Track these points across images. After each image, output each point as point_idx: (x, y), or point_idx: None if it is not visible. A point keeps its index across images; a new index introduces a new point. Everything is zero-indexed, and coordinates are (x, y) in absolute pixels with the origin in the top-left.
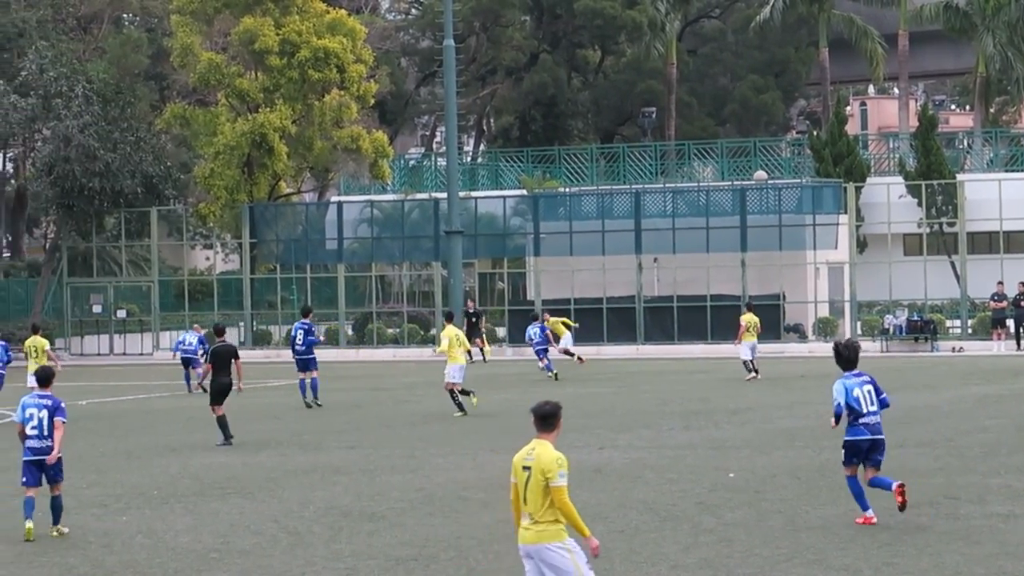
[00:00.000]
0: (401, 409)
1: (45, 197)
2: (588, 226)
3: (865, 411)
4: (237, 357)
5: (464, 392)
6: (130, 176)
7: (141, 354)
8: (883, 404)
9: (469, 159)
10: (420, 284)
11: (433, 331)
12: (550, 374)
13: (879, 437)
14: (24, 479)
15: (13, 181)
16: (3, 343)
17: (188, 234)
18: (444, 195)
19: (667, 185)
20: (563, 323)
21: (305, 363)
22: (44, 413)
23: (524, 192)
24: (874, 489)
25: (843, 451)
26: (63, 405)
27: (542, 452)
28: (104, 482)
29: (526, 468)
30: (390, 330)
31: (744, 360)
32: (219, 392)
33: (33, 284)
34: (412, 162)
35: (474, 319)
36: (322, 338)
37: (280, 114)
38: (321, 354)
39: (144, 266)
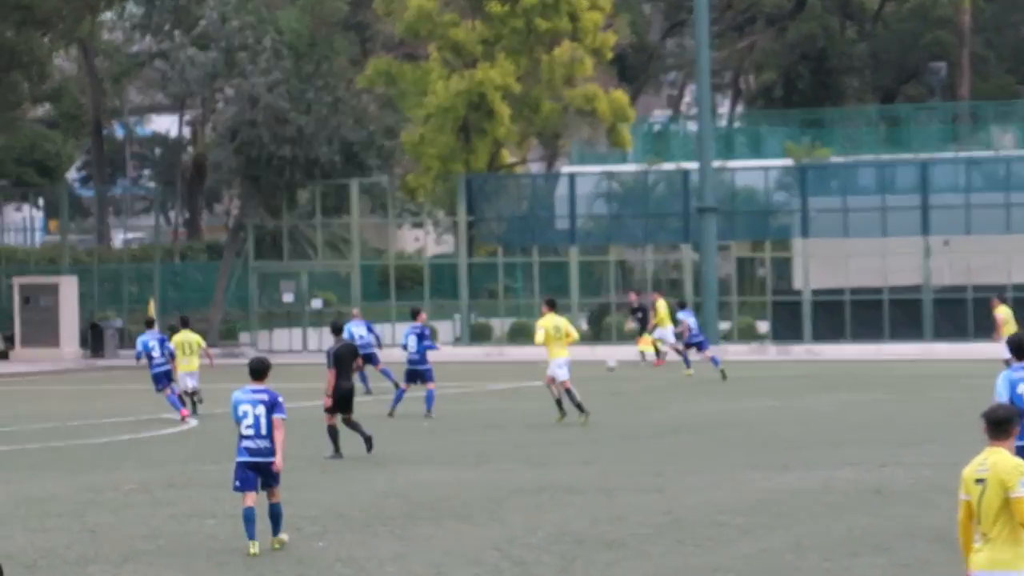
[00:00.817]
0: (644, 418)
1: (227, 167)
2: (865, 202)
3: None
4: (358, 356)
5: (579, 408)
6: (326, 143)
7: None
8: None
9: (724, 123)
10: (666, 270)
11: None
12: (717, 368)
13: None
14: (237, 483)
15: (191, 148)
16: (161, 336)
17: (394, 211)
18: (695, 165)
19: (959, 154)
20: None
21: (416, 374)
22: (260, 410)
23: (789, 162)
24: None
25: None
26: (281, 400)
27: (998, 461)
28: (296, 500)
29: (979, 481)
30: (630, 324)
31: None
32: (344, 399)
33: (214, 269)
34: (657, 126)
35: (639, 315)
36: (439, 345)
37: (502, 70)
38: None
39: (343, 248)
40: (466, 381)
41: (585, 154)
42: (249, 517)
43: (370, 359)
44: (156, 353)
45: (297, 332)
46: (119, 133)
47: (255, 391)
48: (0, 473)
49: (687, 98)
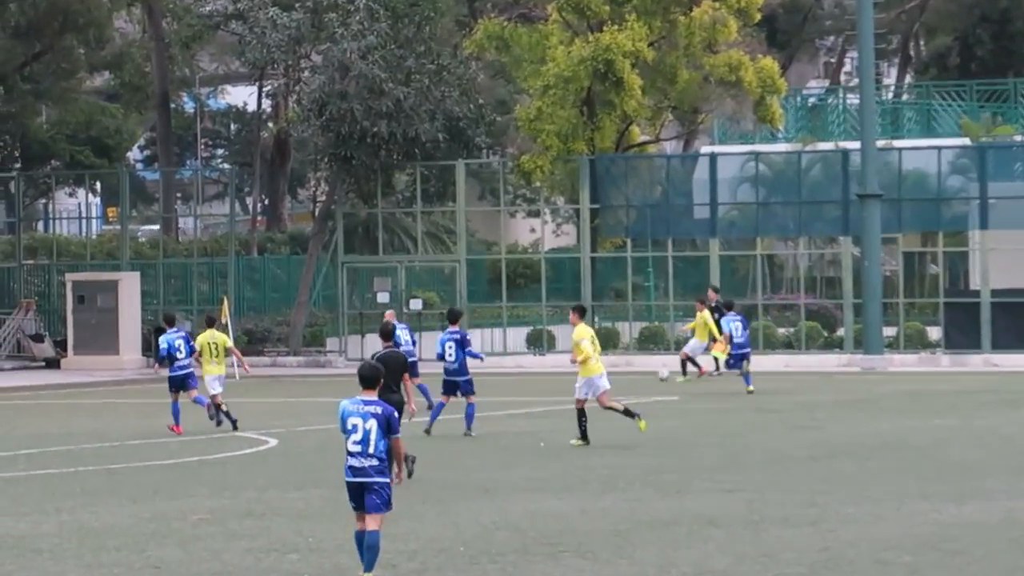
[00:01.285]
0: (797, 438)
1: (314, 146)
2: None
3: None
4: (408, 370)
5: (628, 413)
6: (429, 118)
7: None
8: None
9: (891, 96)
10: (822, 267)
11: (840, 331)
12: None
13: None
14: (353, 503)
15: (271, 124)
16: (186, 335)
17: (506, 197)
18: (856, 145)
19: None
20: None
21: (454, 385)
22: (372, 424)
23: (966, 141)
24: None
25: None
26: (397, 416)
27: None
28: (392, 533)
29: None
30: (781, 330)
31: None
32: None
33: (298, 263)
34: (812, 100)
35: (718, 316)
36: (482, 354)
37: (632, 34)
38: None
39: (448, 240)
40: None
41: (728, 132)
42: (361, 542)
43: (410, 369)
44: (181, 354)
45: None
46: (189, 107)
47: (366, 402)
48: (51, 500)
49: (847, 67)
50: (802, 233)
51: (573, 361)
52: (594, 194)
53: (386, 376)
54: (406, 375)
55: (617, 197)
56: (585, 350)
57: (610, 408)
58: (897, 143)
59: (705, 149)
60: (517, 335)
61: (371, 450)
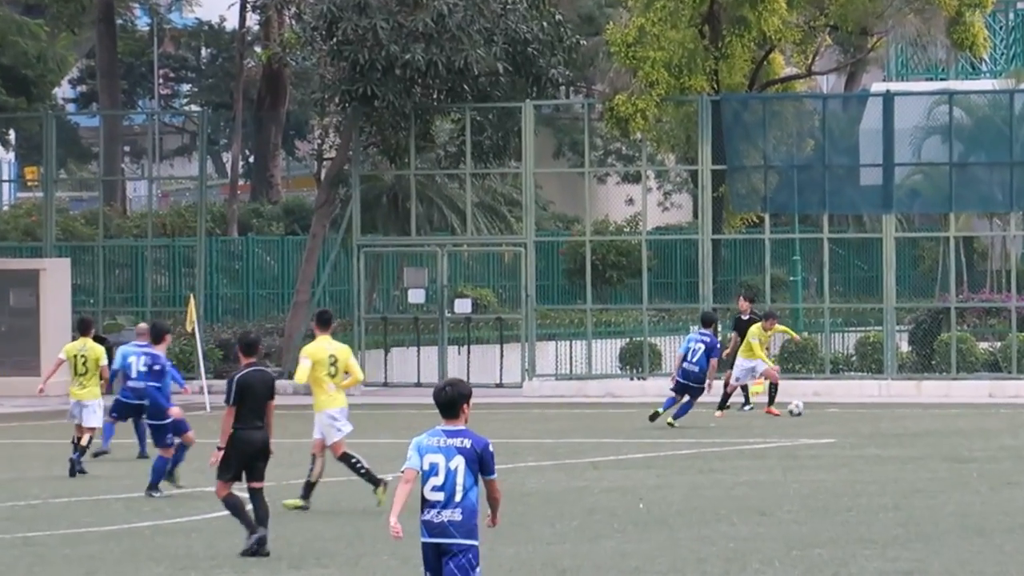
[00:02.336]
0: (1005, 499)
1: (320, 80)
2: None
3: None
4: (272, 396)
5: (370, 477)
6: (484, 40)
7: (500, 385)
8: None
9: None
10: None
11: None
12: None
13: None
14: (429, 573)
15: (258, 49)
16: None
17: (594, 154)
18: None
19: None
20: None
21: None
22: (458, 462)
23: None
24: None
25: None
26: (492, 450)
27: None
28: None
29: None
30: (983, 344)
31: None
32: (252, 456)
33: (295, 247)
34: None
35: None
36: (183, 385)
37: None
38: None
39: (509, 215)
40: (719, 436)
41: (911, 63)
42: None
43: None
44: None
45: (431, 352)
46: (142, 23)
47: (450, 433)
48: None
49: None
50: (1015, 207)
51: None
52: (718, 151)
53: (245, 402)
54: (270, 404)
55: (752, 155)
56: (303, 373)
57: (344, 462)
58: None
59: (877, 87)
60: (607, 350)
61: (458, 498)
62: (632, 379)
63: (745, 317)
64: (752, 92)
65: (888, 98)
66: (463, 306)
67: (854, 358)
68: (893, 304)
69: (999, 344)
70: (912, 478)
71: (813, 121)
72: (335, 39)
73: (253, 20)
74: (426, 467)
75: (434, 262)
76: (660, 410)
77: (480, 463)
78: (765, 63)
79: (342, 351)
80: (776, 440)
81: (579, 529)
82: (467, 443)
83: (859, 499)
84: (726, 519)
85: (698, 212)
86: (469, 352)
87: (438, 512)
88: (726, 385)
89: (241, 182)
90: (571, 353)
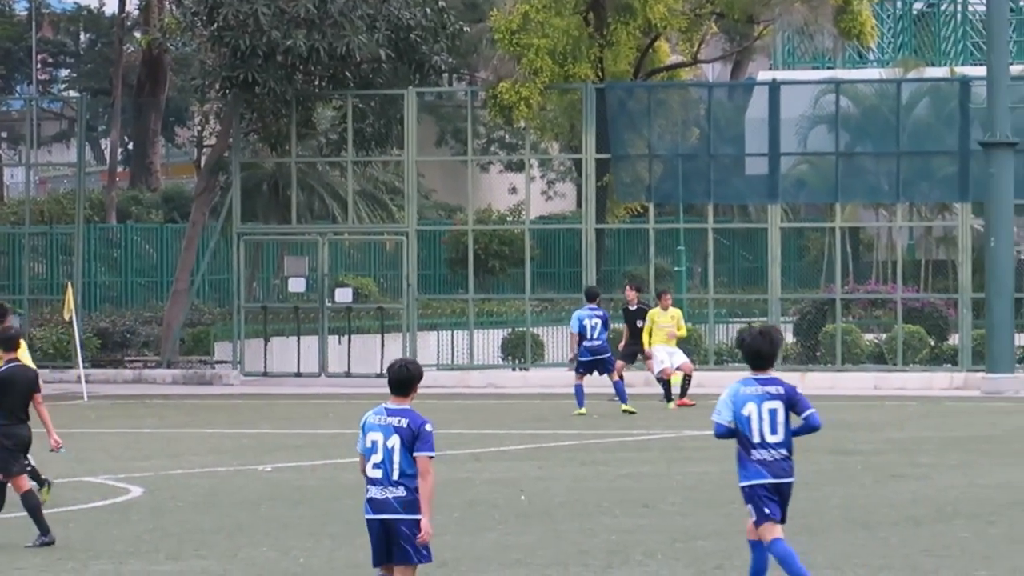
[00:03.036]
0: (890, 492)
1: (201, 66)
2: None
3: (759, 440)
4: (38, 389)
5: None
6: (366, 27)
7: (380, 375)
8: (804, 429)
9: None
10: (929, 247)
11: (955, 339)
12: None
13: (784, 480)
14: (375, 556)
15: (138, 35)
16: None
17: (477, 143)
18: (981, 71)
19: None
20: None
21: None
22: (395, 441)
23: None
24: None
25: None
26: (429, 428)
27: None
28: None
29: None
30: (868, 336)
31: None
32: (17, 449)
33: (175, 235)
34: (919, 6)
35: (640, 324)
36: None
37: None
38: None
39: (391, 204)
40: (601, 428)
41: (798, 51)
42: None
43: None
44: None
45: (311, 342)
46: (20, 7)
47: (391, 412)
48: None
49: None
50: (901, 198)
51: None
52: (603, 139)
53: (9, 399)
54: (37, 396)
55: (636, 144)
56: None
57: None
58: None
59: (763, 76)
60: (489, 340)
61: (394, 475)
62: (514, 369)
63: (633, 307)
64: (638, 81)
65: (774, 87)
66: (344, 295)
67: (738, 349)
68: (778, 295)
69: (884, 336)
70: (797, 470)
71: (699, 110)
72: (216, 24)
73: (133, 5)
74: (368, 445)
75: (315, 251)
76: (625, 405)
77: (416, 441)
78: (651, 51)
79: None
80: (660, 432)
81: (460, 521)
82: (404, 422)
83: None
84: (609, 511)
85: (581, 202)
86: (350, 342)
87: (381, 489)
88: (660, 379)
89: (120, 169)
90: (453, 343)
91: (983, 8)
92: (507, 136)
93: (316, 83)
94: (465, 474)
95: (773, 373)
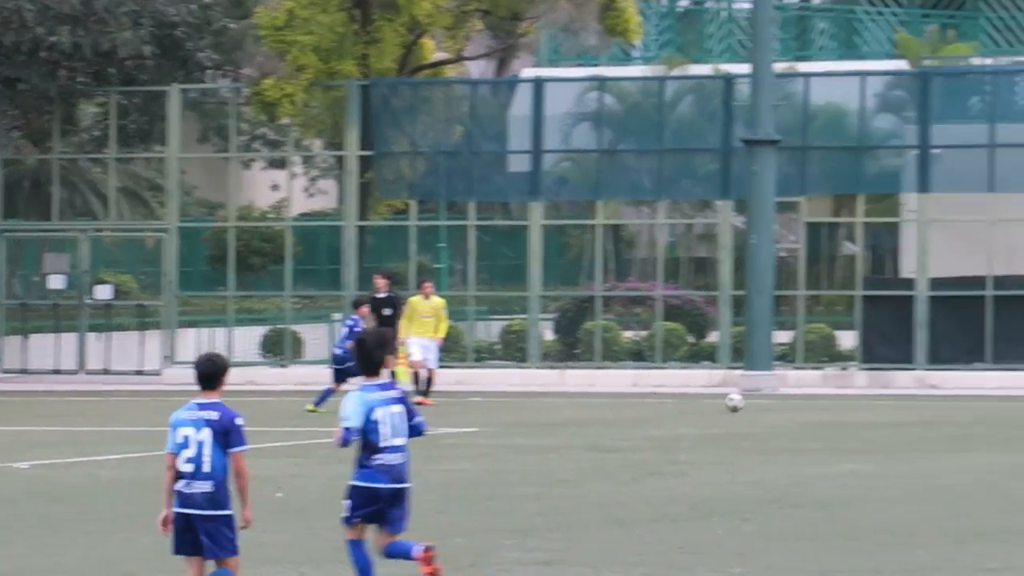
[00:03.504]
0: (646, 490)
1: None
2: None
3: (385, 444)
4: None
5: None
6: (131, 23)
7: (140, 372)
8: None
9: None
10: (690, 244)
11: (714, 336)
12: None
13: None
14: (173, 545)
15: None
16: None
17: (241, 139)
18: (744, 68)
19: None
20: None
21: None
22: (205, 434)
23: (902, 64)
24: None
25: (348, 502)
26: (240, 423)
27: None
28: None
29: None
30: (627, 333)
31: None
32: None
33: None
34: (683, 4)
35: (387, 312)
36: None
37: None
38: (495, 376)
39: (151, 200)
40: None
41: (561, 49)
42: None
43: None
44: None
45: (71, 339)
46: None
47: (202, 406)
48: None
49: None
50: (663, 195)
51: None
52: (366, 136)
53: None
54: None
55: (399, 141)
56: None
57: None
58: (803, 66)
59: (527, 73)
60: (249, 337)
61: (206, 469)
62: (273, 366)
63: (382, 295)
64: (402, 77)
65: (538, 84)
66: (103, 292)
67: (498, 346)
68: (538, 292)
69: (644, 333)
70: (555, 468)
71: (463, 107)
72: None
73: None
74: (180, 439)
75: (76, 248)
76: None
77: (227, 436)
78: (415, 48)
79: None
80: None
81: None
82: (215, 415)
83: (500, 488)
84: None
85: (343, 198)
86: (110, 339)
87: (187, 483)
88: (415, 375)
89: None
90: (212, 340)
91: (748, 6)
92: (270, 133)
93: (79, 79)
94: None
95: None
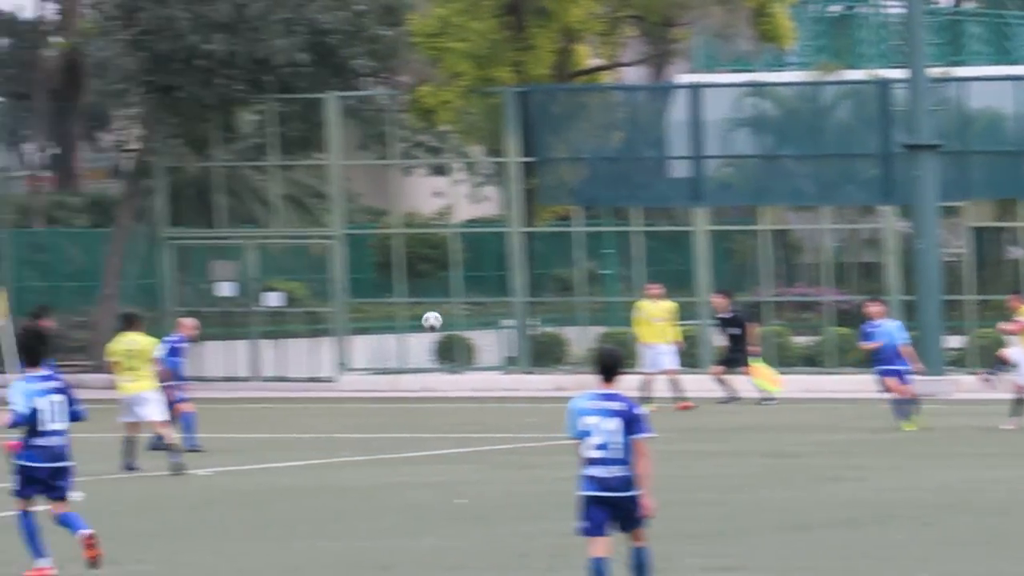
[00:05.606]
0: (825, 495)
1: (120, 72)
2: None
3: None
4: None
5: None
6: (285, 31)
7: (313, 379)
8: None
9: (951, 3)
10: (856, 249)
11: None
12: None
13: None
14: (584, 524)
15: (57, 40)
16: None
17: (401, 146)
18: (898, 73)
19: None
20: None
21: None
22: (613, 424)
23: None
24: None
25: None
26: (642, 413)
27: None
28: None
29: None
30: (799, 339)
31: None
32: None
33: (100, 240)
34: (836, 9)
35: (735, 331)
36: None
37: None
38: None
39: (316, 208)
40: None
41: (717, 54)
42: (599, 570)
43: None
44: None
45: (241, 346)
46: None
47: (605, 397)
48: None
49: None
50: (825, 200)
51: None
52: (527, 143)
53: None
54: None
55: (558, 147)
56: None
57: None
58: (960, 71)
59: (683, 78)
60: (421, 344)
61: (619, 455)
62: (447, 373)
63: (725, 315)
64: (558, 84)
65: (695, 90)
66: (274, 299)
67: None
68: (706, 298)
69: (815, 338)
70: (730, 474)
71: (620, 113)
72: (134, 29)
73: (51, 7)
74: (584, 427)
75: (243, 255)
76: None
77: (632, 425)
78: (570, 54)
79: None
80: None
81: (399, 525)
82: (621, 406)
83: (679, 494)
84: (545, 515)
85: (508, 204)
86: (283, 346)
87: (605, 467)
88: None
89: (44, 174)
90: (383, 347)
91: (900, 11)
92: (431, 140)
93: (236, 87)
94: (401, 478)
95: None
